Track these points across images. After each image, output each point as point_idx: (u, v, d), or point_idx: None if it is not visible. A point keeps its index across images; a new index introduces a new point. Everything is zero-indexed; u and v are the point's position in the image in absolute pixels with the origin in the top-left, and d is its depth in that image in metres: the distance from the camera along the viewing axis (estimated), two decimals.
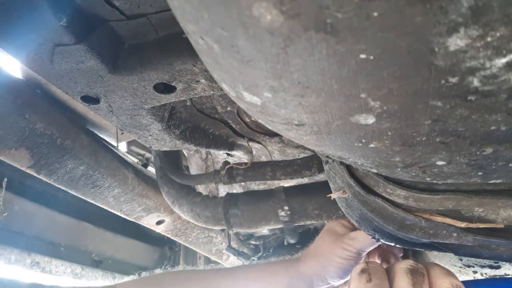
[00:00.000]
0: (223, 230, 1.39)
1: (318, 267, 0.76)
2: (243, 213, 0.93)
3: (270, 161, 0.89)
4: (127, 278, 1.60)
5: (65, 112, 0.84)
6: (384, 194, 0.48)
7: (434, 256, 0.83)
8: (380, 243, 0.75)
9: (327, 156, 0.56)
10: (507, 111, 0.24)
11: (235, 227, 0.95)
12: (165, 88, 0.59)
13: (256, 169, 0.87)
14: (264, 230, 1.60)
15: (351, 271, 0.54)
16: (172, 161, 1.02)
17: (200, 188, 1.18)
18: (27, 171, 0.77)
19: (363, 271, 0.51)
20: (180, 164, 1.06)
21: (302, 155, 0.96)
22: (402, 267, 0.50)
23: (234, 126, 0.84)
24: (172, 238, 1.28)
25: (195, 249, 1.41)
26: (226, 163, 0.89)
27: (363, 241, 0.74)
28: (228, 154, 1.00)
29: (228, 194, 0.98)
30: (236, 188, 1.18)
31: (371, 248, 0.76)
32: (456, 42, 0.19)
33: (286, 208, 0.89)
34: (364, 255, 0.76)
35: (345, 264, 0.74)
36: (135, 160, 1.42)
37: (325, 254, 0.77)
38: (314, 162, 0.84)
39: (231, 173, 0.88)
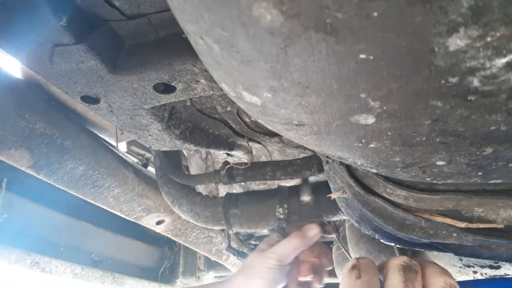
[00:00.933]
0: (223, 230, 1.39)
1: (241, 281, 0.76)
2: (243, 213, 0.93)
3: (270, 161, 0.89)
4: (127, 278, 1.60)
5: (65, 112, 0.84)
6: (384, 194, 0.48)
7: (434, 256, 0.82)
8: (305, 248, 0.76)
9: (327, 156, 0.56)
10: (507, 111, 0.24)
11: (235, 227, 0.95)
12: (165, 88, 0.59)
13: (256, 169, 0.87)
14: (264, 230, 1.59)
15: (344, 270, 0.53)
16: (172, 161, 1.01)
17: (200, 188, 1.18)
18: (27, 171, 0.77)
19: (353, 267, 0.51)
20: (180, 164, 1.06)
21: (302, 155, 0.96)
22: (395, 263, 0.50)
23: (234, 126, 0.84)
24: (172, 238, 1.28)
25: (195, 249, 1.41)
26: (226, 163, 0.89)
27: (283, 248, 0.76)
28: (228, 154, 1.00)
29: (228, 194, 0.98)
30: (236, 188, 1.18)
31: (292, 255, 0.76)
32: (456, 42, 0.19)
33: (285, 206, 0.89)
34: (287, 264, 0.76)
35: (269, 274, 0.74)
36: (135, 160, 1.42)
37: (248, 267, 0.77)
38: (314, 162, 0.84)
39: (231, 173, 0.88)
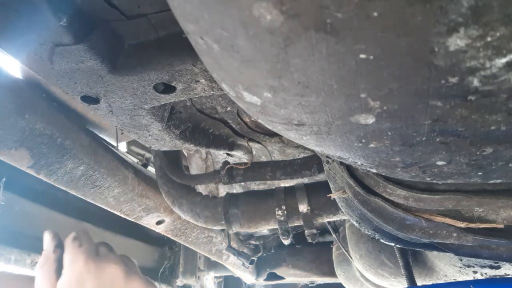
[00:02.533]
0: (223, 230, 1.39)
1: None
2: (243, 213, 0.93)
3: (270, 161, 0.89)
4: None
5: (65, 112, 0.84)
6: (384, 194, 0.48)
7: (434, 256, 0.83)
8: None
9: (327, 156, 0.56)
10: (507, 111, 0.24)
11: (235, 227, 0.95)
12: (165, 88, 0.59)
13: (256, 169, 0.87)
14: (264, 230, 1.60)
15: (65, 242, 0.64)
16: (172, 161, 1.01)
17: (200, 188, 1.18)
18: (27, 171, 0.77)
19: (75, 238, 0.62)
20: (180, 164, 1.06)
21: (302, 155, 0.96)
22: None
23: (234, 126, 0.84)
24: (172, 238, 1.28)
25: (195, 249, 1.41)
26: (226, 163, 0.89)
27: None
28: (228, 154, 1.00)
29: (228, 194, 0.98)
30: (236, 188, 1.18)
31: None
32: (456, 42, 0.19)
33: (283, 207, 0.89)
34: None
35: None
36: (135, 160, 1.42)
37: None
38: (314, 162, 0.84)
39: (231, 173, 0.88)
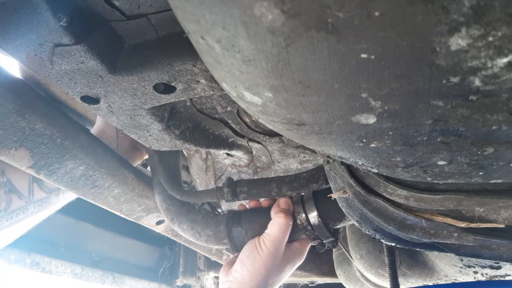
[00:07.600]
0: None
1: (247, 274, 0.83)
2: (247, 231, 0.87)
3: (275, 177, 0.85)
4: (127, 278, 1.60)
5: (65, 112, 0.84)
6: (384, 194, 0.48)
7: (435, 256, 0.83)
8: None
9: (328, 156, 0.56)
10: (509, 111, 0.24)
11: (239, 247, 0.89)
12: (165, 88, 0.59)
13: (260, 185, 0.83)
14: None
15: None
16: (171, 177, 0.97)
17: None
18: (27, 171, 0.77)
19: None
20: (180, 180, 1.02)
21: (302, 155, 0.96)
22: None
23: (234, 126, 0.84)
24: (172, 238, 1.28)
25: (195, 249, 1.41)
26: (229, 179, 0.85)
27: (276, 232, 0.84)
28: (228, 154, 1.00)
29: (230, 212, 0.93)
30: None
31: (286, 234, 0.84)
32: (458, 41, 0.19)
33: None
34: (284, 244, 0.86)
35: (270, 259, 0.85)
36: None
37: (249, 259, 0.84)
38: (320, 174, 0.80)
39: (234, 190, 0.84)
